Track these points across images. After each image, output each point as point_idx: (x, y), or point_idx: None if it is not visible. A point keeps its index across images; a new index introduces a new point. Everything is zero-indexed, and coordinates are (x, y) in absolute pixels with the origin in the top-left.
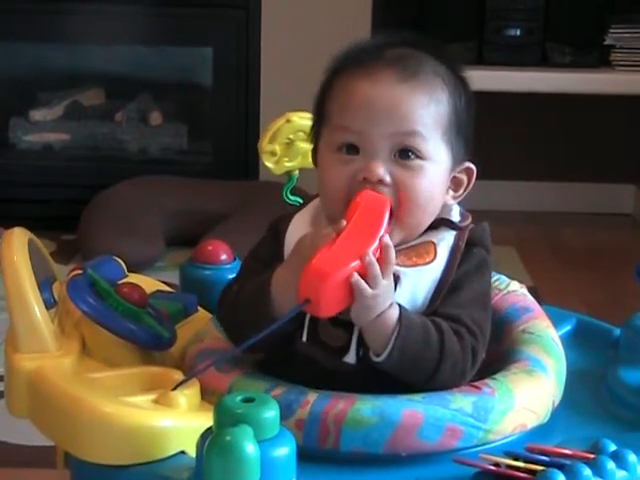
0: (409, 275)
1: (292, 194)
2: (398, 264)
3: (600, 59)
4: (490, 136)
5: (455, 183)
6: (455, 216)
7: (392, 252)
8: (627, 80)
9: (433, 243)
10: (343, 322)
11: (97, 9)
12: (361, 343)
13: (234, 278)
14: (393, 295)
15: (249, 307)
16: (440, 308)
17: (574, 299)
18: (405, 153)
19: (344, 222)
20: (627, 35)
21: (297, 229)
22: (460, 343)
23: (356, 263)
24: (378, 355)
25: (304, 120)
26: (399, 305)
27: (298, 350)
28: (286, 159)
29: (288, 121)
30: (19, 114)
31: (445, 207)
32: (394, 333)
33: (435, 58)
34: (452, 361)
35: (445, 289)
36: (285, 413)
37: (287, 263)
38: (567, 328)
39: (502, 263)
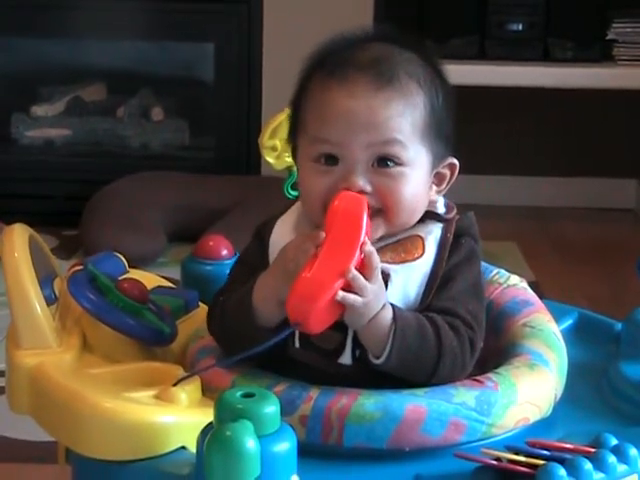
0: (399, 272)
1: (292, 189)
2: (387, 261)
3: (602, 54)
4: (491, 131)
5: (438, 178)
6: (440, 208)
7: (375, 258)
8: (629, 75)
9: (420, 237)
10: (336, 324)
11: (98, 4)
12: (357, 343)
13: (222, 288)
14: (385, 296)
15: (234, 318)
16: (433, 302)
17: (575, 294)
18: (384, 162)
19: (323, 234)
20: (629, 30)
21: (281, 233)
22: (457, 336)
23: (340, 282)
24: (377, 357)
25: None
26: (392, 305)
27: (292, 356)
28: (287, 154)
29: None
30: (20, 110)
31: (430, 201)
32: (390, 334)
33: (410, 54)
34: (451, 356)
35: (437, 283)
36: (288, 409)
37: (268, 272)
38: (568, 323)
39: (504, 258)
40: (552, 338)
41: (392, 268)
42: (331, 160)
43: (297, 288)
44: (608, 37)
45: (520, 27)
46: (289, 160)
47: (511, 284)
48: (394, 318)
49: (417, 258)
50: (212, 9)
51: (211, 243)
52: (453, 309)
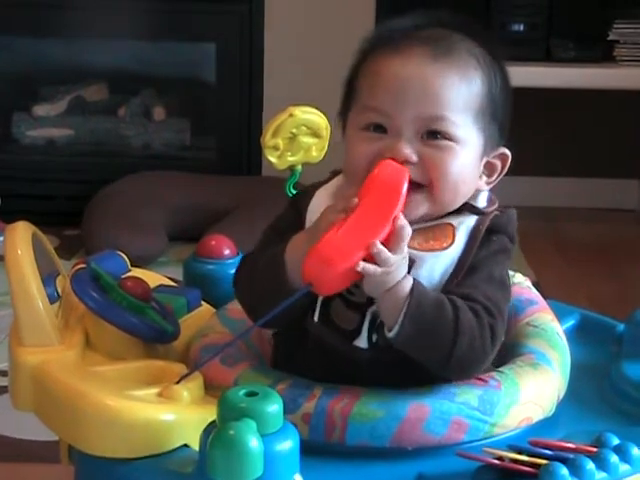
0: (425, 260)
1: (295, 189)
2: (414, 247)
3: (604, 54)
4: None
5: (489, 168)
6: (482, 201)
7: (404, 233)
8: (630, 75)
9: (452, 226)
10: (356, 304)
11: (100, 4)
12: (374, 328)
13: (251, 251)
14: (406, 267)
15: (264, 274)
16: (453, 289)
17: (577, 294)
18: (433, 134)
19: (356, 200)
20: (631, 30)
21: (319, 203)
22: (477, 319)
23: (362, 253)
24: (390, 330)
25: (307, 114)
26: (413, 278)
27: (309, 330)
28: (289, 154)
29: (291, 115)
30: (22, 109)
31: (476, 190)
32: (405, 303)
33: (471, 39)
34: (469, 336)
35: (461, 273)
36: (291, 407)
37: (304, 232)
38: (570, 323)
39: None
40: (555, 338)
41: (419, 255)
42: (379, 129)
43: (318, 249)
44: (610, 38)
45: (522, 28)
46: (291, 159)
47: (515, 282)
48: (411, 289)
49: (445, 248)
50: (214, 9)
51: (213, 243)
52: (473, 295)
